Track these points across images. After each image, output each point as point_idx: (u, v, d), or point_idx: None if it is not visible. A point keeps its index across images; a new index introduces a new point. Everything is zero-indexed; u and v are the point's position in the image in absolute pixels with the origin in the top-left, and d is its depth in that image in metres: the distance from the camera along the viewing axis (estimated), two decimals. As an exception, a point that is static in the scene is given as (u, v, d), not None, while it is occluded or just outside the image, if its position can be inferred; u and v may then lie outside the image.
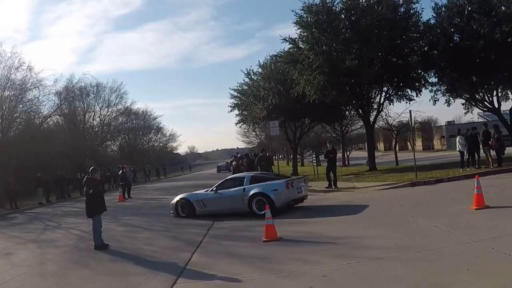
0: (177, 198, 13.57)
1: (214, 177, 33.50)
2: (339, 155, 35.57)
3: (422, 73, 22.94)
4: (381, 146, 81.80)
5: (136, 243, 9.85)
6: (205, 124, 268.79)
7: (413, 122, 19.97)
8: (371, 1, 21.31)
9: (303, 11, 21.75)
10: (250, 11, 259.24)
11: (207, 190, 13.36)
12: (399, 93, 24.12)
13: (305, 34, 22.16)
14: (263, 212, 11.06)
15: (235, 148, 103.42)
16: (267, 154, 20.63)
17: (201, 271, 6.73)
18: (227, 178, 13.80)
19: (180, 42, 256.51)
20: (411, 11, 21.53)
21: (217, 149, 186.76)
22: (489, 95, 22.29)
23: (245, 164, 20.12)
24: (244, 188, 12.15)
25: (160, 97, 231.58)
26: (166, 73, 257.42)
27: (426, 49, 21.99)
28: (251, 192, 11.88)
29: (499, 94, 22.40)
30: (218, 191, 12.75)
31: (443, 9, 21.09)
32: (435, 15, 21.47)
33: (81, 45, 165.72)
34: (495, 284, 4.76)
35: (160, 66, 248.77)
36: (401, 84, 23.37)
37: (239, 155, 23.58)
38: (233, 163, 23.21)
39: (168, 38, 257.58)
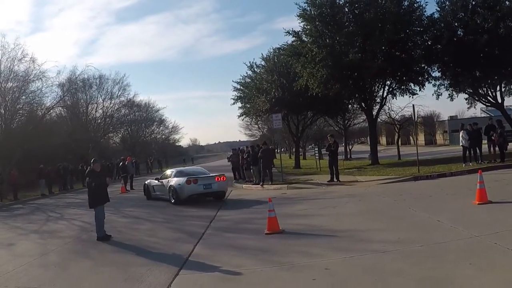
0: (144, 183, 18.08)
1: (218, 170, 33.32)
2: (341, 148, 35.52)
3: (426, 67, 22.80)
4: (383, 140, 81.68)
5: (138, 234, 9.89)
6: (206, 117, 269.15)
7: (416, 116, 19.91)
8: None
9: (306, 4, 21.59)
10: (252, 4, 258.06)
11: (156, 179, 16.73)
12: (402, 87, 23.99)
13: (308, 27, 22.00)
14: (173, 200, 14.53)
15: (238, 140, 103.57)
16: (270, 147, 20.66)
17: (204, 263, 6.75)
18: (167, 171, 17.21)
19: (182, 35, 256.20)
20: (415, 5, 21.32)
21: (219, 142, 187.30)
22: (492, 90, 22.21)
23: (246, 156, 20.13)
24: (168, 180, 15.31)
25: (161, 90, 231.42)
26: (167, 66, 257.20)
27: (429, 43, 21.87)
28: (169, 184, 14.97)
29: (503, 89, 22.32)
30: (160, 180, 16.10)
31: (447, 3, 21.00)
32: (439, 9, 21.38)
33: (83, 37, 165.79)
34: (498, 279, 4.76)
35: (161, 58, 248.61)
36: (404, 78, 23.25)
37: (240, 148, 23.65)
38: (233, 156, 23.54)
39: (169, 30, 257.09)
